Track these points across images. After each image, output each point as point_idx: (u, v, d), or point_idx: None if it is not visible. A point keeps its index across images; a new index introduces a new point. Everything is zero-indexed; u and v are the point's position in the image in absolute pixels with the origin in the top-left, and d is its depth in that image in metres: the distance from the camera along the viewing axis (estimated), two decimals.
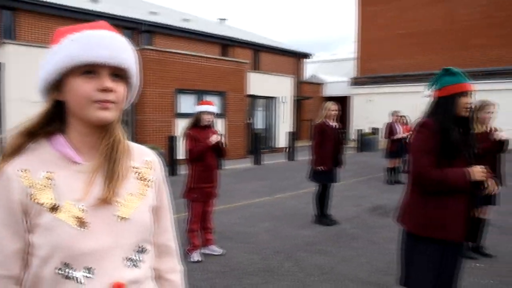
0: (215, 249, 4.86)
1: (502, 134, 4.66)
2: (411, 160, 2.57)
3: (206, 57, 15.26)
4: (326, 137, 6.10)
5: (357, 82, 26.00)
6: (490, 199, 4.83)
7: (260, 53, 22.91)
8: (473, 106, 4.74)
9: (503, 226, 6.21)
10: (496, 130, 4.82)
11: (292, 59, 25.01)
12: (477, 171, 2.43)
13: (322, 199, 6.28)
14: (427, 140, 2.48)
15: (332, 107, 6.22)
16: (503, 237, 5.71)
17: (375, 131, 20.29)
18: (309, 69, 31.55)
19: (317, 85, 26.65)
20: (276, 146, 18.88)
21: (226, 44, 21.10)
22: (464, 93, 2.51)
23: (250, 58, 21.51)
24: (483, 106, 4.83)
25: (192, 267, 4.33)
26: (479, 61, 22.46)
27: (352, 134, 23.28)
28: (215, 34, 20.58)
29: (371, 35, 26.05)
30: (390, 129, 10.07)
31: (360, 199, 8.16)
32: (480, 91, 19.12)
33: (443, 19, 23.57)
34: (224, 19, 27.83)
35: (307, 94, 24.61)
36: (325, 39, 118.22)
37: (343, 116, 26.46)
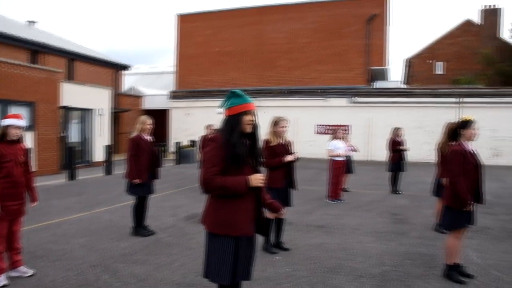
0: (24, 270, 4.65)
1: (289, 158, 5.62)
2: (201, 169, 3.05)
3: (12, 64, 13.84)
4: (141, 151, 6.34)
5: (176, 95, 26.65)
6: (286, 201, 5.77)
7: (76, 62, 21.59)
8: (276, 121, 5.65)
9: (299, 224, 7.36)
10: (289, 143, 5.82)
11: (110, 70, 24.26)
12: (256, 178, 3.03)
13: (139, 211, 6.49)
14: (215, 152, 3.00)
15: (147, 121, 6.50)
16: (298, 234, 6.78)
17: (193, 143, 21.12)
18: (129, 81, 31.04)
19: (136, 97, 26.47)
20: (93, 160, 18.13)
21: (36, 50, 19.24)
22: (247, 112, 3.09)
23: (64, 67, 20.18)
24: (277, 122, 5.76)
25: None
26: (285, 80, 25.44)
27: (172, 147, 23.76)
28: (23, 38, 18.55)
29: (189, 51, 27.14)
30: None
31: (176, 209, 8.58)
32: (283, 107, 21.73)
33: (254, 41, 26.04)
34: (34, 22, 25.55)
35: (126, 107, 24.24)
36: (145, 50, 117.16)
37: (163, 129, 26.82)
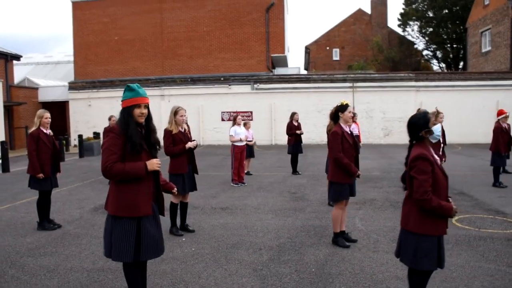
0: None
1: (190, 145, 6.01)
2: (102, 158, 3.35)
3: None
4: (41, 145, 6.34)
5: (75, 86, 25.51)
6: (193, 185, 6.18)
7: None
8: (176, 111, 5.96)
9: (204, 207, 7.82)
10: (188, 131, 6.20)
11: None
12: (153, 163, 3.41)
13: (43, 205, 6.49)
14: (114, 141, 3.32)
15: (45, 114, 6.48)
16: (204, 216, 7.22)
17: (96, 135, 20.54)
18: (22, 72, 29.03)
19: (32, 89, 24.96)
20: None
21: None
22: (138, 105, 3.42)
23: None
24: (177, 111, 6.07)
25: None
26: (187, 68, 25.51)
27: (74, 140, 22.85)
28: None
29: (86, 39, 26.05)
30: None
31: (83, 202, 8.58)
32: (187, 95, 21.88)
33: (154, 29, 25.67)
34: None
35: (20, 100, 22.77)
36: (37, 38, 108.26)
37: (63, 122, 25.60)
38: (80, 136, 19.26)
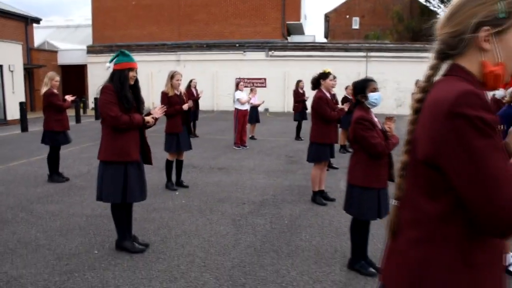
0: None
1: (185, 107, 6.49)
2: (104, 110, 3.86)
3: None
4: (55, 101, 6.92)
5: (93, 50, 26.10)
6: (187, 144, 6.69)
7: None
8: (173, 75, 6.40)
9: (203, 167, 8.36)
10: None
11: (19, 23, 23.06)
12: (148, 117, 3.98)
13: (53, 159, 7.12)
14: (110, 97, 3.83)
15: (56, 77, 7.06)
16: (200, 174, 7.77)
17: None
18: (42, 35, 29.64)
19: (51, 52, 25.63)
20: (8, 118, 17.77)
21: None
22: (131, 69, 3.95)
23: None
24: (173, 75, 6.53)
25: None
26: (203, 34, 25.74)
27: (91, 103, 23.59)
28: None
29: (105, 4, 26.42)
30: None
31: (92, 159, 9.11)
32: (202, 61, 22.12)
33: None
34: None
35: (40, 63, 23.47)
36: (59, 1, 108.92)
37: (82, 84, 26.34)
38: (96, 99, 19.91)
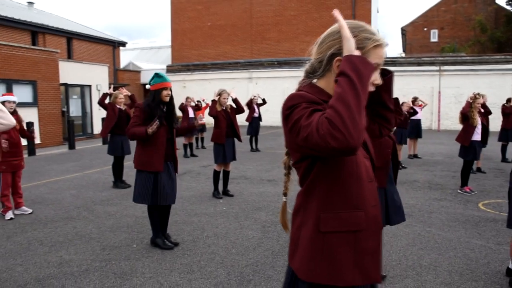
0: (25, 209, 6.27)
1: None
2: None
3: (14, 46, 15.34)
4: (110, 114, 7.95)
5: (171, 69, 28.00)
6: (230, 155, 7.25)
7: (74, 41, 22.87)
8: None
9: (254, 178, 8.87)
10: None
11: (108, 46, 25.55)
12: (152, 127, 4.49)
13: (117, 168, 8.08)
14: (137, 114, 4.51)
15: (120, 95, 8.05)
16: (249, 185, 8.29)
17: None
18: (129, 56, 32.37)
19: (135, 72, 27.87)
20: (94, 132, 19.72)
21: (36, 31, 20.58)
22: (165, 88, 4.59)
23: (63, 46, 21.59)
24: (221, 94, 7.17)
25: (7, 223, 5.74)
26: (274, 52, 26.61)
27: None
28: (24, 21, 19.80)
29: (182, 26, 28.34)
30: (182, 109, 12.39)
31: None
32: (273, 78, 22.95)
33: (243, 15, 27.12)
34: (32, 3, 26.78)
35: (125, 82, 25.66)
36: (145, 25, 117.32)
37: None
38: None
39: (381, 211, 3.75)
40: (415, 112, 10.29)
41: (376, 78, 1.62)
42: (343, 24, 1.48)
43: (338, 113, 1.30)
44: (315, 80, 1.67)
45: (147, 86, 4.75)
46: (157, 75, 4.66)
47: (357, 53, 1.44)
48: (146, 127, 4.48)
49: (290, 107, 1.49)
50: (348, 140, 1.29)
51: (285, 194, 1.82)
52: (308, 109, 1.44)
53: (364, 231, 1.58)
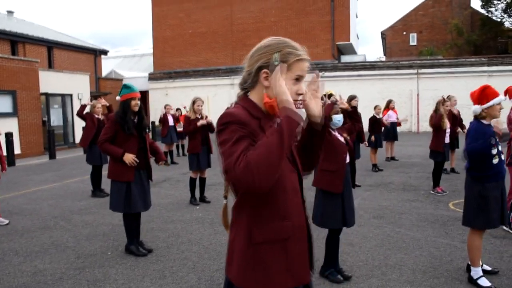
0: (1, 220, 6.31)
1: (200, 123, 7.16)
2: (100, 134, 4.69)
3: None
4: (89, 124, 8.07)
5: (153, 77, 28.01)
6: (206, 163, 7.35)
7: (55, 50, 22.70)
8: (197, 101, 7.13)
9: None
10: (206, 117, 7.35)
11: (89, 55, 25.38)
12: (129, 158, 4.60)
13: (95, 177, 8.14)
14: (109, 126, 4.62)
15: (97, 104, 8.15)
16: None
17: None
18: (111, 64, 32.25)
19: (117, 80, 27.78)
20: (76, 142, 19.58)
21: (16, 40, 20.41)
22: (133, 98, 4.70)
23: (44, 55, 21.47)
24: (195, 101, 7.24)
25: None
26: None
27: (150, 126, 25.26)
28: (3, 30, 19.63)
29: (163, 34, 28.42)
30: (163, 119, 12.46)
31: None
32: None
33: (224, 22, 27.31)
34: (12, 12, 26.57)
35: (107, 90, 25.59)
36: (129, 32, 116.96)
37: (145, 110, 28.22)
38: (152, 123, 21.48)
39: (337, 214, 3.93)
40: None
41: (299, 88, 1.75)
42: (279, 78, 1.63)
43: (259, 158, 1.44)
44: (249, 93, 1.79)
45: (117, 98, 4.86)
46: (125, 86, 4.77)
47: (290, 105, 1.58)
48: (123, 151, 4.58)
49: (223, 123, 1.61)
50: (256, 186, 1.44)
51: (225, 197, 1.95)
52: (236, 134, 1.56)
53: (292, 238, 1.72)
